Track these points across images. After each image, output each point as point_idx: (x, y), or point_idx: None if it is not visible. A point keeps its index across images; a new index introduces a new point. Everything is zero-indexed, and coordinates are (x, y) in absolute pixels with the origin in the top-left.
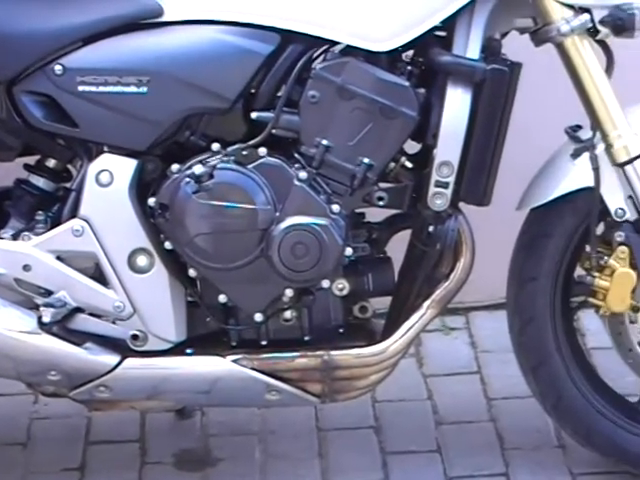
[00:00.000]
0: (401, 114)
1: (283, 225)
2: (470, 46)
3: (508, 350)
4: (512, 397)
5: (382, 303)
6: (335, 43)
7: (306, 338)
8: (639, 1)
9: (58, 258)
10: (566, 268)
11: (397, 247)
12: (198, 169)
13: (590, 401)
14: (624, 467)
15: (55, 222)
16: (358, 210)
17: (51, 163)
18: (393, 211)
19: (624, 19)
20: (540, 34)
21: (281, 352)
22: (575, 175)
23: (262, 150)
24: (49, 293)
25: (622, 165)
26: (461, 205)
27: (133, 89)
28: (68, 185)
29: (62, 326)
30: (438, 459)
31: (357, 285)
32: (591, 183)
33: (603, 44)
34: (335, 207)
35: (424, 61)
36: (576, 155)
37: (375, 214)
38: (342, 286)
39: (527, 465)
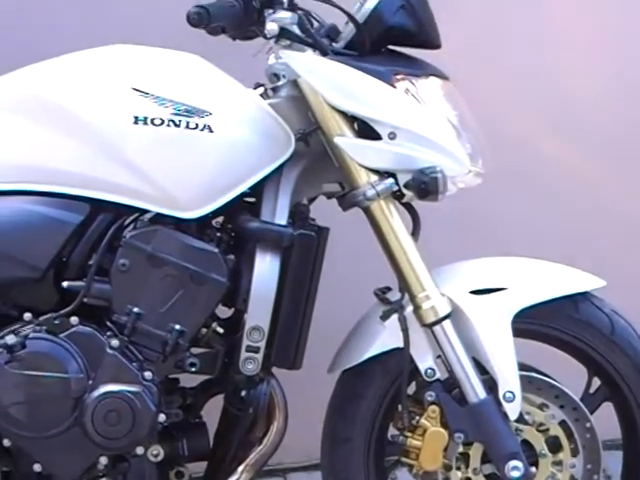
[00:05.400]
0: (211, 280)
1: (96, 393)
2: (277, 212)
3: None
4: None
5: (199, 467)
6: (145, 211)
7: None
8: (443, 164)
9: None
10: (379, 428)
11: (213, 411)
12: (10, 339)
13: None
14: None
15: None
16: (171, 376)
17: None
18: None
19: (427, 183)
20: (347, 199)
21: None
22: (385, 336)
23: (74, 319)
24: None
25: (430, 326)
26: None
27: None
28: None
29: None
30: None
31: (172, 450)
32: (401, 344)
33: (409, 206)
34: (147, 374)
35: (233, 227)
36: (385, 317)
37: (190, 379)
38: (157, 452)
39: None
